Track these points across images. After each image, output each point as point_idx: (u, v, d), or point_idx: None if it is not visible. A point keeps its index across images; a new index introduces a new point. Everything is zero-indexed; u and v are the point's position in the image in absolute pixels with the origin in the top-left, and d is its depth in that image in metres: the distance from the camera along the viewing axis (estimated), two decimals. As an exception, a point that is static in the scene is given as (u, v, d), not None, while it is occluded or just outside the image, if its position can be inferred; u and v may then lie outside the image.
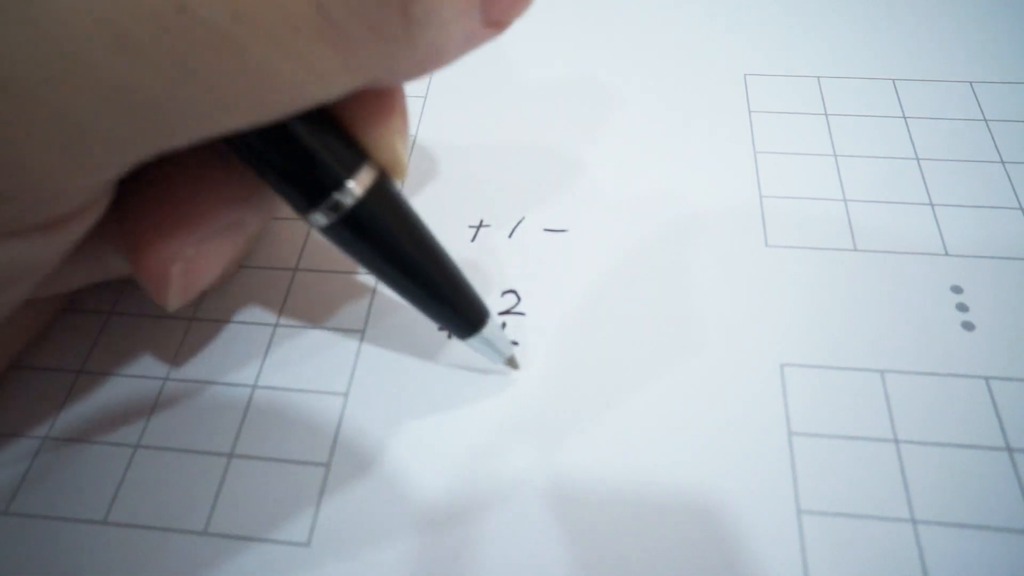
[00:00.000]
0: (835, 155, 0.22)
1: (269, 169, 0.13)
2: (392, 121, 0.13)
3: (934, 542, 0.15)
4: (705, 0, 0.27)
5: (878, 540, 0.15)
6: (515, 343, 0.18)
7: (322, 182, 0.13)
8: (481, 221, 0.21)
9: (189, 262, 0.14)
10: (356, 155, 0.13)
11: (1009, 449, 0.16)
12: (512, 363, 0.17)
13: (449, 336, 0.18)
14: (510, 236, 0.21)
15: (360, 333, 0.19)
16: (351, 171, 0.13)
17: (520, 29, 0.14)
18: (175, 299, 0.14)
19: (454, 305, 0.16)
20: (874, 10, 0.26)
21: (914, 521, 0.15)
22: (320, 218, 0.13)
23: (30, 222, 0.11)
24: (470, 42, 0.13)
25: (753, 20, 0.26)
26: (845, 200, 0.21)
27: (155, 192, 0.14)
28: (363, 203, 0.13)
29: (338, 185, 0.13)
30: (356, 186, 0.13)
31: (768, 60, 0.25)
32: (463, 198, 0.22)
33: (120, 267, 0.15)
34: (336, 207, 0.13)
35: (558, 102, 0.24)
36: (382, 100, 0.13)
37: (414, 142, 0.23)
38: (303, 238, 0.21)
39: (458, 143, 0.23)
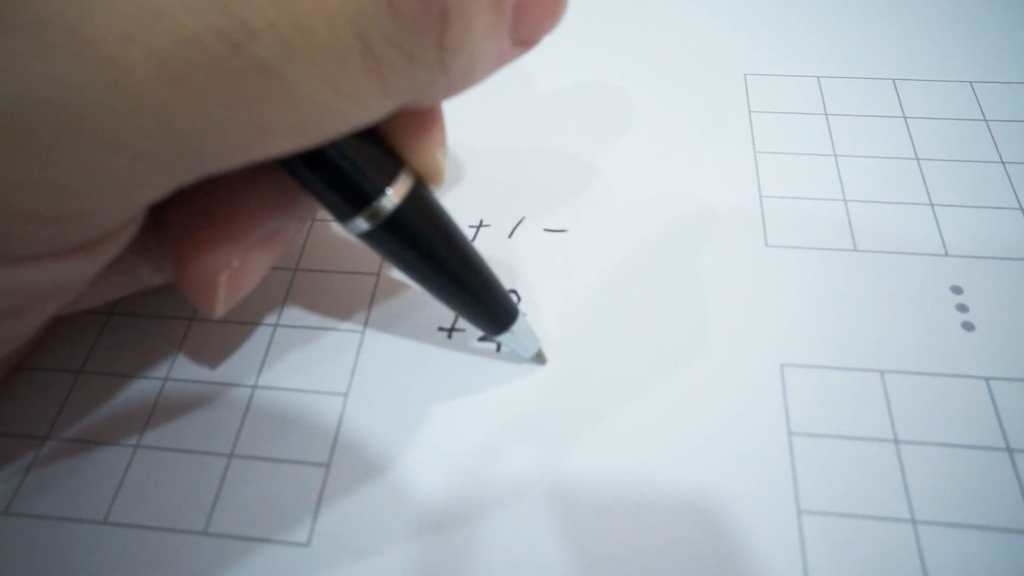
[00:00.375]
0: (835, 155, 0.22)
1: (312, 180, 0.13)
2: (432, 133, 0.14)
3: (934, 542, 0.15)
4: (705, 0, 0.27)
5: (878, 540, 0.15)
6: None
7: (363, 191, 0.13)
8: (481, 221, 0.21)
9: (234, 271, 0.14)
10: (394, 164, 0.14)
11: (1009, 449, 0.16)
12: (540, 358, 0.18)
13: (482, 338, 0.18)
14: (510, 236, 0.21)
15: (360, 333, 0.19)
16: (390, 179, 0.14)
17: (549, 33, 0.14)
18: (221, 308, 0.15)
19: (487, 304, 0.16)
20: (874, 10, 0.26)
21: (914, 521, 0.15)
22: (361, 224, 0.14)
23: (70, 243, 0.11)
24: (501, 60, 0.14)
25: (753, 20, 0.26)
26: (845, 200, 0.21)
27: (199, 203, 0.14)
28: (400, 209, 0.14)
29: (378, 193, 0.13)
30: (394, 194, 0.14)
31: (768, 60, 0.25)
32: (463, 198, 0.22)
33: (152, 279, 0.16)
34: (376, 214, 0.14)
35: (558, 102, 0.24)
36: (420, 118, 0.14)
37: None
38: (303, 238, 0.21)
39: (458, 143, 0.23)
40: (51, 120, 0.09)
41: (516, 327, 0.17)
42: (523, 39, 0.14)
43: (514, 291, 0.19)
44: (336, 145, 0.13)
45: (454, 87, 0.13)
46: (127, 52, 0.09)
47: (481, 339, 0.18)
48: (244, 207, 0.14)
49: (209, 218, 0.14)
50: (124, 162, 0.10)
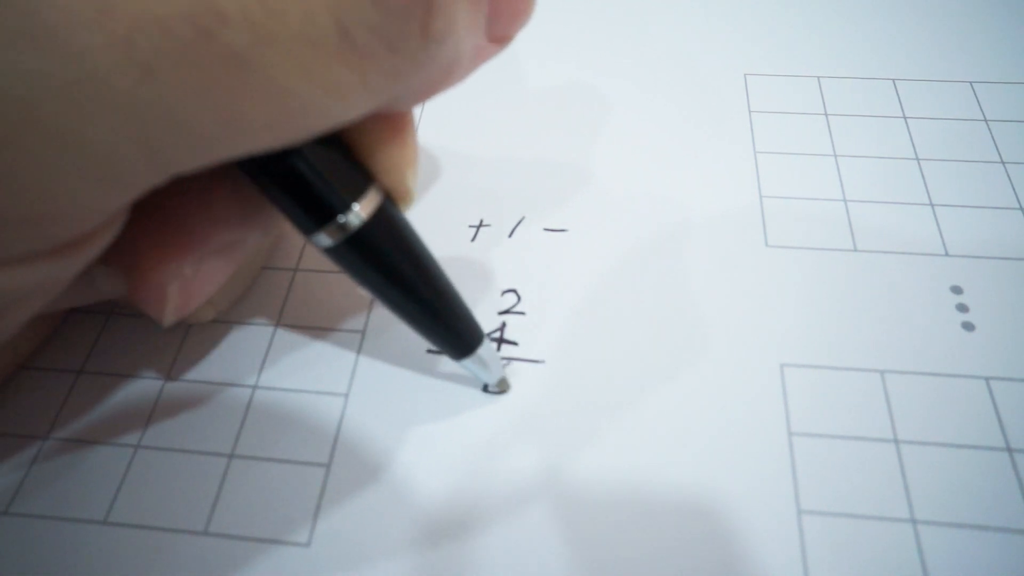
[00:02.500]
0: (835, 155, 0.22)
1: (275, 190, 0.13)
2: (404, 151, 0.14)
3: (934, 542, 0.15)
4: (705, 0, 0.27)
5: (878, 540, 0.15)
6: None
7: (329, 205, 0.13)
8: (481, 221, 0.21)
9: (187, 281, 0.14)
10: (362, 178, 0.13)
11: (1009, 449, 0.16)
12: (503, 385, 0.17)
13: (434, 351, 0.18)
14: (510, 236, 0.21)
15: (361, 334, 0.19)
16: (357, 195, 0.13)
17: (521, 30, 0.14)
18: (170, 317, 0.14)
19: (452, 327, 0.16)
20: (874, 10, 0.26)
21: (914, 521, 0.15)
22: (324, 239, 0.13)
23: (51, 245, 0.11)
24: (479, 57, 0.13)
25: (753, 20, 0.26)
26: (845, 200, 0.21)
27: (153, 211, 0.14)
28: (367, 226, 0.13)
29: (345, 208, 0.13)
30: (361, 210, 0.13)
31: (768, 60, 0.25)
32: (463, 198, 0.22)
33: (110, 287, 0.15)
34: (340, 229, 0.13)
35: (559, 102, 0.24)
36: (393, 126, 0.13)
37: (414, 142, 0.23)
38: (303, 239, 0.21)
39: (458, 143, 0.23)
40: (3, 114, 0.09)
41: (481, 351, 0.16)
42: (498, 35, 0.13)
43: (514, 291, 0.19)
44: (302, 154, 0.12)
45: (435, 84, 0.13)
46: (88, 39, 0.08)
47: (432, 351, 0.18)
48: (202, 215, 0.14)
49: (164, 225, 0.14)
50: (86, 161, 0.09)
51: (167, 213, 0.14)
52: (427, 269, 0.15)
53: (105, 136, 0.09)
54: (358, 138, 0.13)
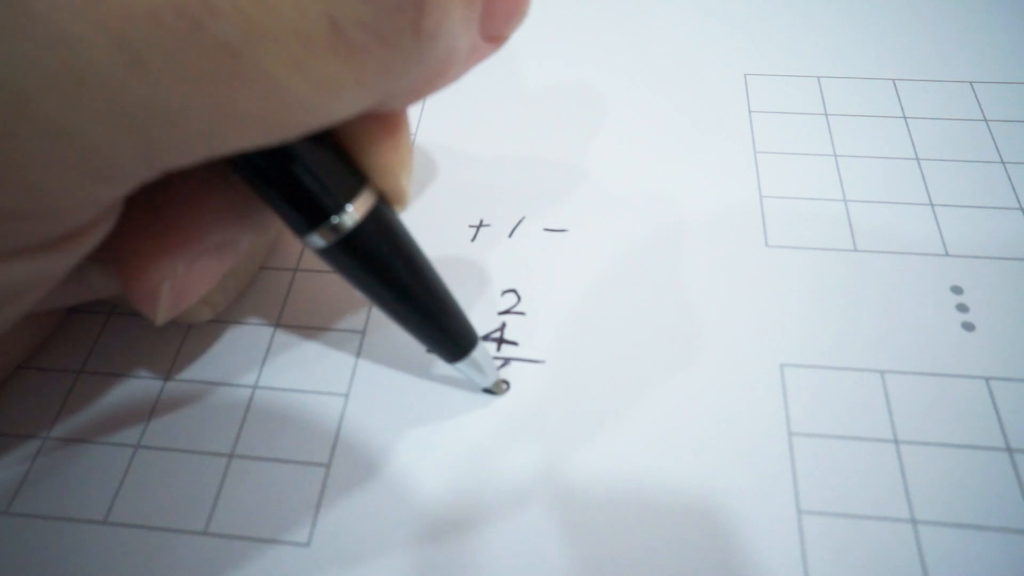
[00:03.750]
0: (835, 155, 0.22)
1: (270, 190, 0.13)
2: (398, 152, 0.14)
3: (934, 542, 0.15)
4: (705, 0, 0.27)
5: (878, 540, 0.15)
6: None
7: (322, 205, 0.13)
8: (481, 221, 0.21)
9: (179, 279, 0.14)
10: (356, 180, 0.13)
11: (1009, 449, 0.16)
12: (497, 388, 0.17)
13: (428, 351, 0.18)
14: (510, 236, 0.21)
15: (361, 334, 0.19)
16: (351, 196, 0.13)
17: (522, 28, 0.14)
18: (163, 315, 0.14)
19: (446, 330, 0.16)
20: (874, 10, 0.26)
21: (914, 521, 0.15)
22: (317, 240, 0.13)
23: (43, 239, 0.11)
24: (473, 57, 0.13)
25: (753, 20, 0.26)
26: (845, 200, 0.21)
27: (147, 208, 0.14)
28: (361, 227, 0.13)
29: (338, 209, 0.13)
30: (355, 211, 0.13)
31: (768, 60, 0.25)
32: (463, 198, 0.22)
33: (102, 286, 0.15)
34: (334, 230, 0.13)
35: (559, 102, 0.24)
36: (387, 126, 0.13)
37: (414, 142, 0.23)
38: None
39: (459, 143, 0.23)
40: (17, 116, 0.09)
41: (476, 354, 0.16)
42: (493, 35, 0.13)
43: (514, 291, 0.19)
44: (295, 153, 0.12)
45: (430, 82, 0.13)
46: (78, 29, 0.08)
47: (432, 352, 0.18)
48: (195, 214, 0.14)
49: (157, 223, 0.14)
50: (77, 153, 0.09)
51: (161, 212, 0.14)
52: (421, 271, 0.15)
53: (96, 127, 0.09)
54: (352, 138, 0.13)
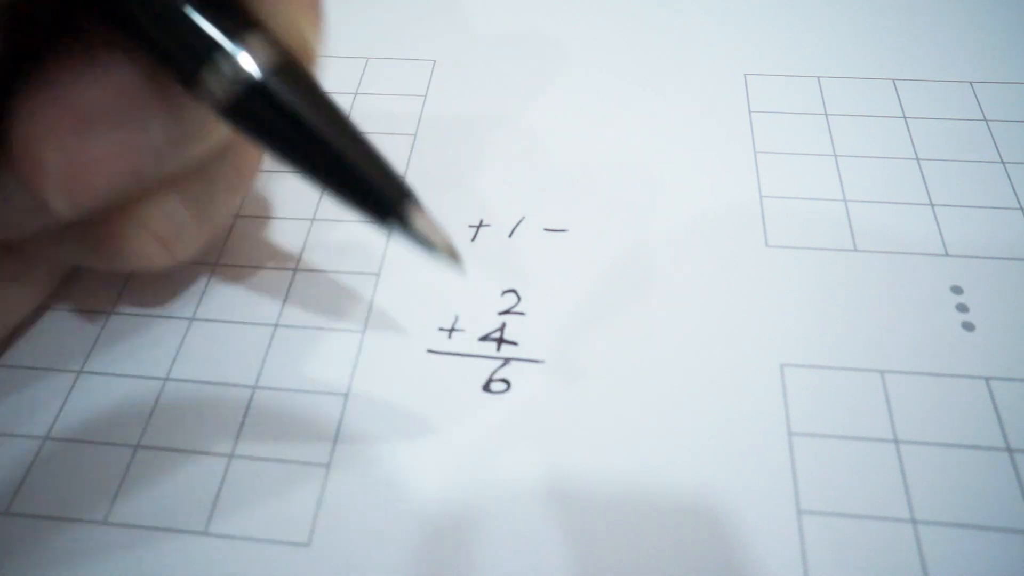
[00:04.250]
0: (835, 155, 0.22)
1: (142, 30, 0.12)
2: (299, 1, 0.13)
3: (934, 542, 0.15)
4: (705, 0, 0.27)
5: (878, 540, 0.15)
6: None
7: (207, 42, 0.12)
8: (481, 221, 0.21)
9: (72, 154, 0.13)
10: (249, 22, 0.12)
11: (1009, 449, 0.16)
12: (451, 252, 0.14)
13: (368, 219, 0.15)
14: (510, 236, 0.21)
15: (361, 333, 0.19)
16: (241, 35, 0.12)
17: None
18: (55, 193, 0.13)
19: (365, 181, 0.14)
20: (874, 10, 0.26)
21: (914, 521, 0.15)
22: (215, 85, 0.12)
23: None
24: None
25: (753, 20, 0.26)
26: (845, 200, 0.21)
27: (33, 81, 0.13)
28: (264, 81, 0.12)
29: (226, 48, 0.12)
30: (249, 56, 0.12)
31: (768, 60, 0.25)
32: (463, 198, 0.22)
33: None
34: (234, 80, 0.12)
35: (558, 102, 0.24)
36: None
37: (414, 142, 0.23)
38: (303, 238, 0.21)
39: (458, 143, 0.23)
40: None
41: (407, 212, 0.14)
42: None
43: (514, 291, 0.19)
44: None
45: None
46: None
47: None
48: (76, 77, 0.13)
49: (40, 91, 0.13)
50: None
51: (46, 79, 0.13)
52: (333, 116, 0.13)
53: None
54: None
